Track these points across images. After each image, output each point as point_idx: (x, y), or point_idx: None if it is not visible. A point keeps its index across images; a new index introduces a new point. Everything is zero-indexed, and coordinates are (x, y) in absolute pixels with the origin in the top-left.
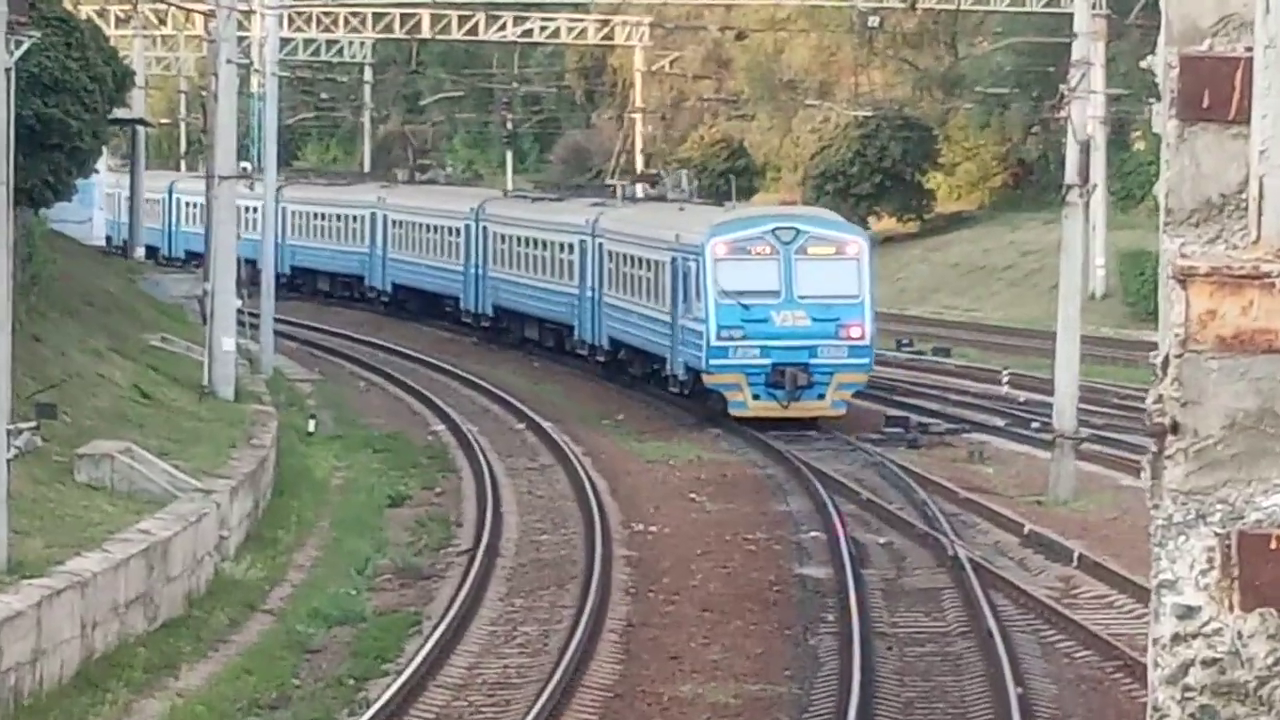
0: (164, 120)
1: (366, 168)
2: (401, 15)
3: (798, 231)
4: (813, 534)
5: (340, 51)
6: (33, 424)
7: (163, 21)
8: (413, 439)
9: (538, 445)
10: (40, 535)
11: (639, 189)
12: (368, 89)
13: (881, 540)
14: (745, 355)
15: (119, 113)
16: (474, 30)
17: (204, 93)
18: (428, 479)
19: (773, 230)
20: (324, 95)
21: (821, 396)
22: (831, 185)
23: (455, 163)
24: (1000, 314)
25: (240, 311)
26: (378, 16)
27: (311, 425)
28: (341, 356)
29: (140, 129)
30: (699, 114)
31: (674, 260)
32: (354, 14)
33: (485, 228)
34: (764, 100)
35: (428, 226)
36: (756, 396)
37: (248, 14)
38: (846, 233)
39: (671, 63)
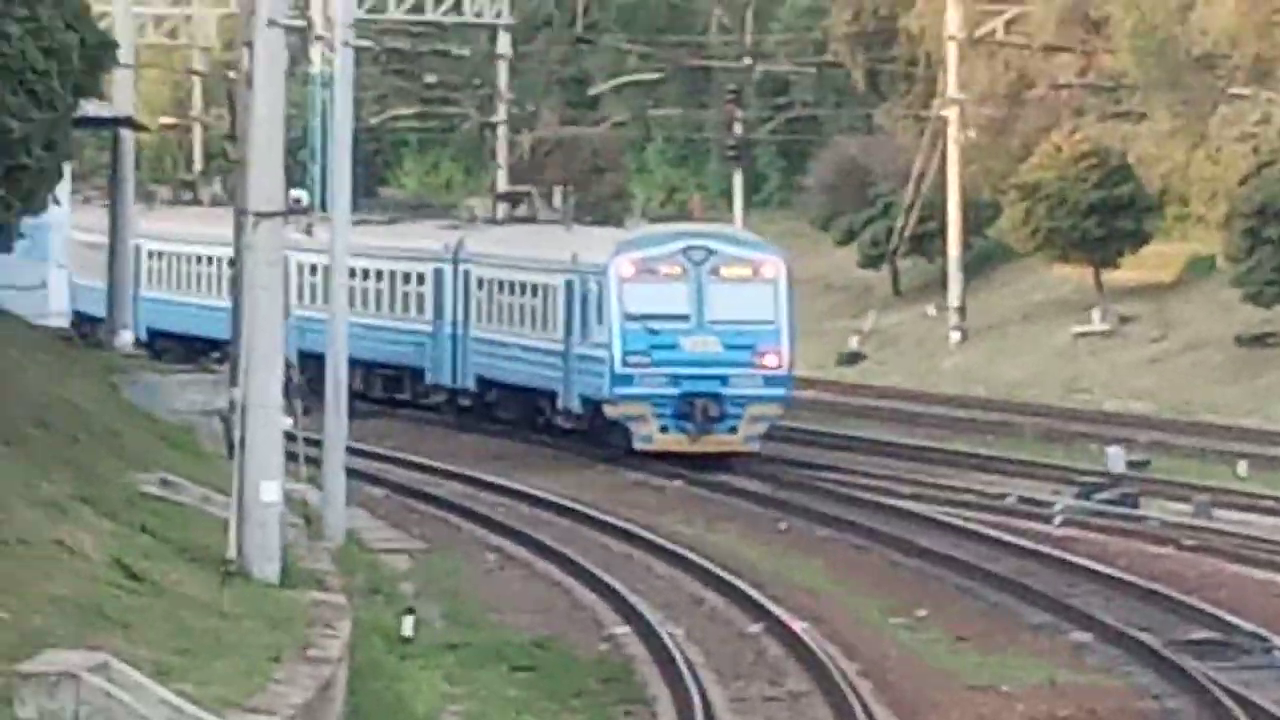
0: (167, 120)
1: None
2: None
3: (710, 251)
4: None
5: (458, 6)
6: None
7: None
8: (576, 648)
9: (783, 660)
10: None
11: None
12: (503, 69)
13: None
14: (652, 384)
15: (91, 108)
16: None
17: (231, 75)
18: (601, 716)
19: (683, 250)
20: (431, 80)
21: (734, 430)
22: (1274, 228)
23: (650, 190)
24: None
25: (291, 437)
26: None
27: (409, 626)
28: (458, 510)
29: (126, 134)
30: (1053, 110)
31: (569, 283)
32: None
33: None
34: (1161, 88)
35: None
36: (664, 429)
37: None
38: (763, 253)
39: (1008, 25)
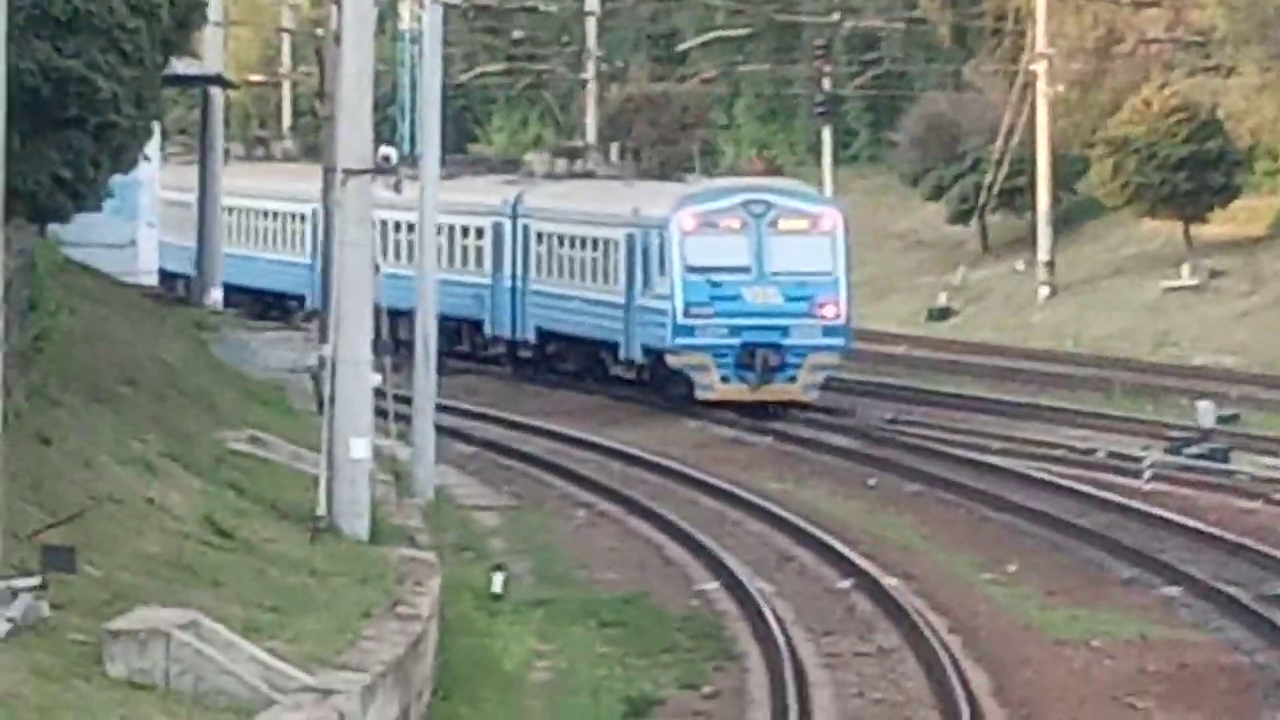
0: (254, 77)
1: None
2: None
3: (769, 204)
4: None
5: None
6: (36, 580)
7: None
8: (665, 604)
9: (873, 615)
10: None
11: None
12: (592, 25)
13: None
14: (713, 334)
15: (181, 66)
16: None
17: (320, 32)
18: (691, 672)
19: (743, 203)
20: (519, 36)
21: (793, 379)
22: None
23: (738, 147)
24: None
25: (380, 394)
26: None
27: (498, 583)
28: (547, 467)
29: (216, 92)
30: (1142, 65)
31: (630, 236)
32: None
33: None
34: (1250, 43)
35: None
36: (725, 379)
37: None
38: (820, 205)
39: None
